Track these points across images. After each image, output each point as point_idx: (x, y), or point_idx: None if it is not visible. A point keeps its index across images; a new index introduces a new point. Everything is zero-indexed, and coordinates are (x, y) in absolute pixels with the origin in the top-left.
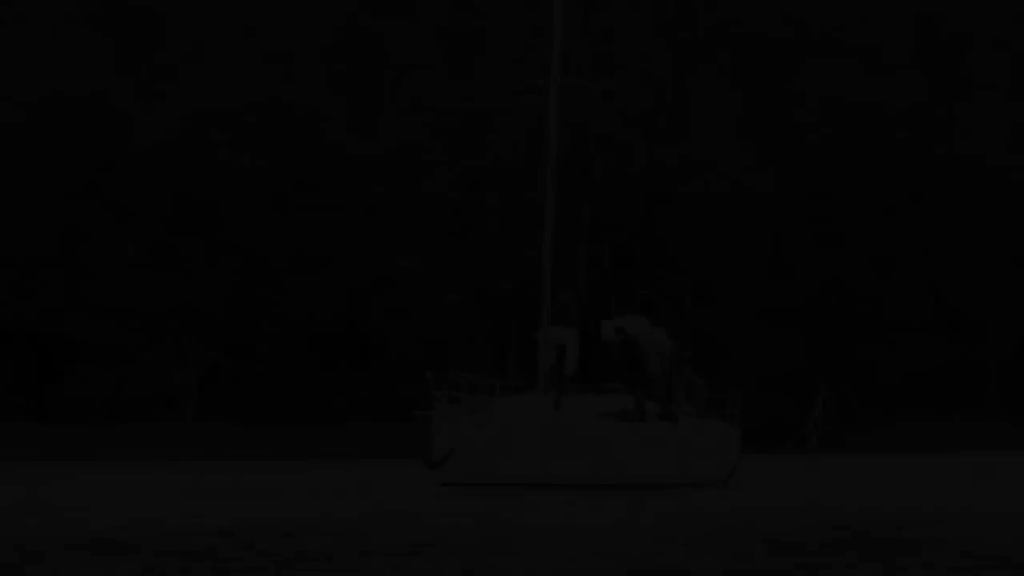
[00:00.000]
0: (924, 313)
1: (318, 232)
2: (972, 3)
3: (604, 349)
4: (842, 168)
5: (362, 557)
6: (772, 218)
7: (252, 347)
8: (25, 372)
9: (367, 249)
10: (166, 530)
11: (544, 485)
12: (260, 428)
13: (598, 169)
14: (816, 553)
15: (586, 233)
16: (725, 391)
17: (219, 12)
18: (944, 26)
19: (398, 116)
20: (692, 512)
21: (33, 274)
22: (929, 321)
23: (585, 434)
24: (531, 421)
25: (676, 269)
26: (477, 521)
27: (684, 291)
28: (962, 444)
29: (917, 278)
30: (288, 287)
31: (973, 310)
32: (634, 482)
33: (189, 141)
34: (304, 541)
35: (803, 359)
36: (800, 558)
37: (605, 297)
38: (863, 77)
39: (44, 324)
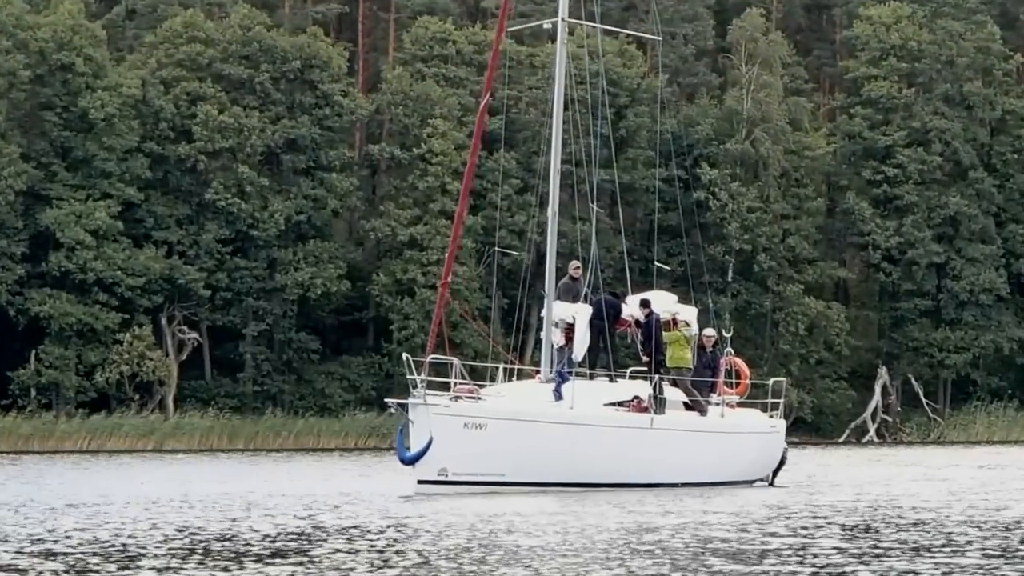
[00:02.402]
0: (996, 288)
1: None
2: None
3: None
4: (904, 124)
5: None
6: (825, 180)
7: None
8: None
9: (368, 216)
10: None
11: (540, 486)
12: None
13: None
14: None
15: (595, 194)
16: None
17: None
18: None
19: (402, 66)
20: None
21: None
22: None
23: (591, 427)
24: (526, 411)
25: (716, 238)
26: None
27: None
28: None
29: (989, 248)
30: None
31: None
32: (650, 483)
33: (167, 94)
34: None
35: (860, 340)
36: None
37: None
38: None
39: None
